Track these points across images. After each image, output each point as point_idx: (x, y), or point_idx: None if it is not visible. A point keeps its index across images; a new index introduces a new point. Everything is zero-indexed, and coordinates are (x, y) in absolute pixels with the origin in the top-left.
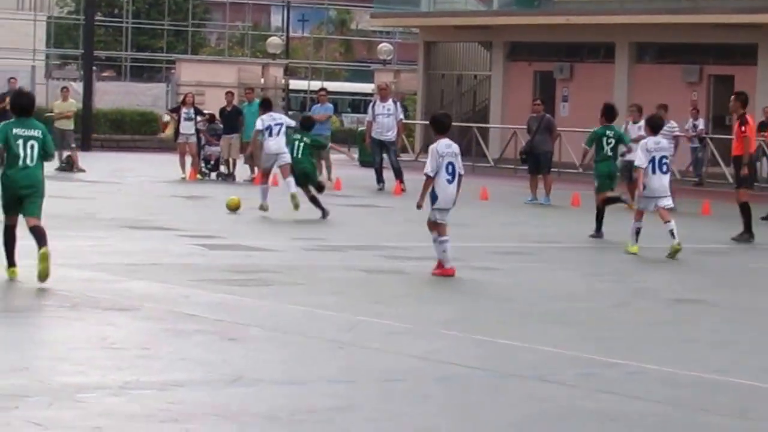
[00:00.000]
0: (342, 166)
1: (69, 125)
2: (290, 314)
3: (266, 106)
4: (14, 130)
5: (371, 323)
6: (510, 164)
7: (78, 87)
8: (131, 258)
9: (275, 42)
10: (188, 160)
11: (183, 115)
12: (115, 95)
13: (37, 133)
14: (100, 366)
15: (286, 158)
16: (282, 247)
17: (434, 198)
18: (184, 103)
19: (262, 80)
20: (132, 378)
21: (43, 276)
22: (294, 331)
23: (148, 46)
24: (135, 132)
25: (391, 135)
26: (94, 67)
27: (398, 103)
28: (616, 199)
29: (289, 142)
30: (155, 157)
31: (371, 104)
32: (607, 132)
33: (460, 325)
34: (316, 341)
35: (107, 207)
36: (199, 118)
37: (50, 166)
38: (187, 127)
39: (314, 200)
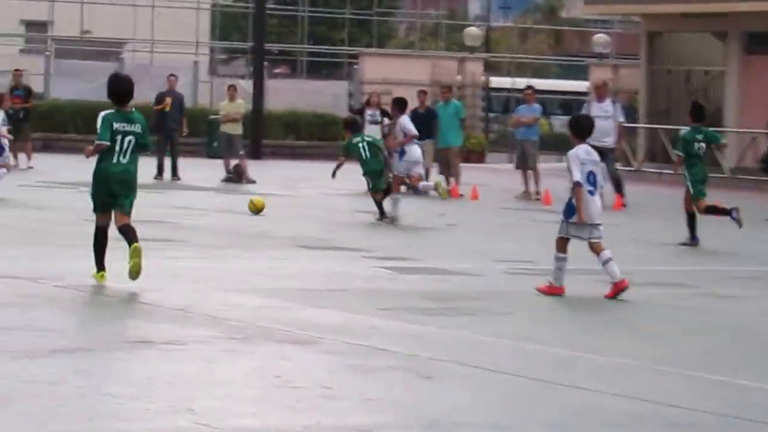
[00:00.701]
0: (550, 176)
1: (237, 129)
2: (493, 348)
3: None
4: (114, 124)
5: (585, 359)
6: (749, 174)
7: (247, 85)
8: (309, 282)
9: (474, 33)
10: None
11: (367, 118)
12: (289, 95)
13: (136, 127)
14: (274, 407)
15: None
16: (482, 271)
17: (571, 212)
18: (368, 103)
19: (459, 77)
20: (311, 422)
21: (134, 273)
22: (498, 368)
23: (327, 39)
24: (312, 137)
25: (609, 141)
26: (265, 63)
27: (618, 104)
28: (722, 211)
29: (351, 147)
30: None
31: (585, 105)
32: (697, 134)
33: (688, 361)
34: (524, 380)
35: (281, 223)
36: (386, 121)
37: (215, 178)
38: (372, 132)
39: (380, 203)
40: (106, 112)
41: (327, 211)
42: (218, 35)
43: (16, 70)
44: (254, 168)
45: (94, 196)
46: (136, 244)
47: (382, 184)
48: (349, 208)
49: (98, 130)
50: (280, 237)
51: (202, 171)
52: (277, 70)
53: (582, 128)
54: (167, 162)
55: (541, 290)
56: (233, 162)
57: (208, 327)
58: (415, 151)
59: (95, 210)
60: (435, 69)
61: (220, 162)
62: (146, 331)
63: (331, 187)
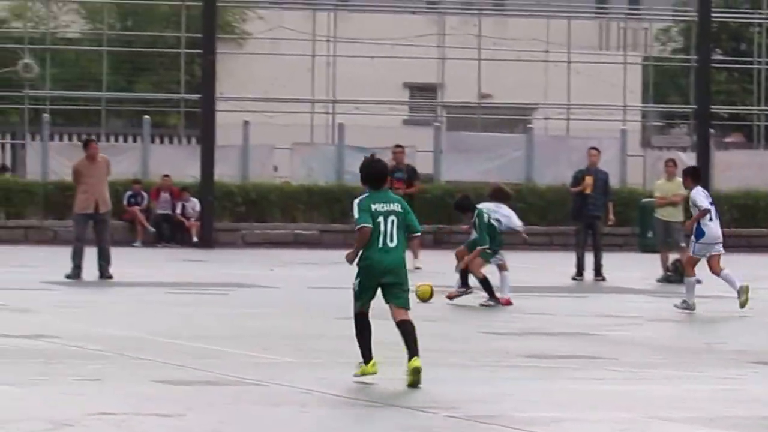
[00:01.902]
0: None
1: (676, 215)
2: None
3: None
4: (373, 207)
5: None
6: None
7: (688, 159)
8: None
9: None
10: None
11: None
12: (743, 170)
13: (396, 206)
14: None
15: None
16: None
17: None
18: None
19: None
20: None
21: (414, 385)
22: None
23: None
24: None
25: None
26: (712, 130)
27: None
28: None
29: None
30: None
31: None
32: None
33: None
34: None
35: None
36: None
37: (650, 277)
38: None
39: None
40: (360, 197)
41: None
42: (652, 96)
43: (397, 146)
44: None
45: (360, 284)
46: (415, 362)
47: None
48: None
49: (355, 217)
50: (728, 351)
51: (632, 269)
52: (729, 139)
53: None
54: (588, 258)
55: None
56: (672, 256)
57: None
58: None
59: (357, 297)
60: None
61: (655, 257)
62: None
63: None
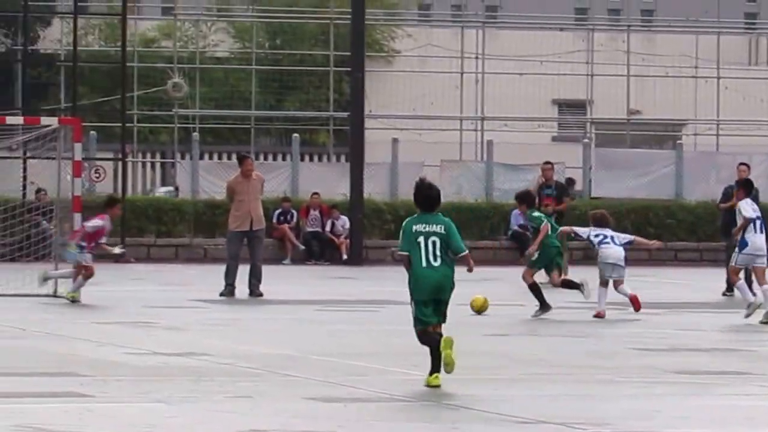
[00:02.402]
0: None
1: None
2: None
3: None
4: (414, 227)
5: None
6: None
7: None
8: None
9: None
10: None
11: None
12: None
13: (439, 228)
14: None
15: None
16: None
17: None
18: None
19: None
20: None
21: (448, 366)
22: None
23: None
24: None
25: None
26: None
27: None
28: None
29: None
30: None
31: None
32: None
33: None
34: None
35: None
36: None
37: None
38: None
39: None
40: (407, 220)
41: None
42: None
43: (546, 163)
44: None
45: (416, 307)
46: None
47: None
48: None
49: (399, 242)
50: None
51: None
52: None
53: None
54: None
55: None
56: None
57: None
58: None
59: (417, 323)
60: None
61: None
62: None
63: None
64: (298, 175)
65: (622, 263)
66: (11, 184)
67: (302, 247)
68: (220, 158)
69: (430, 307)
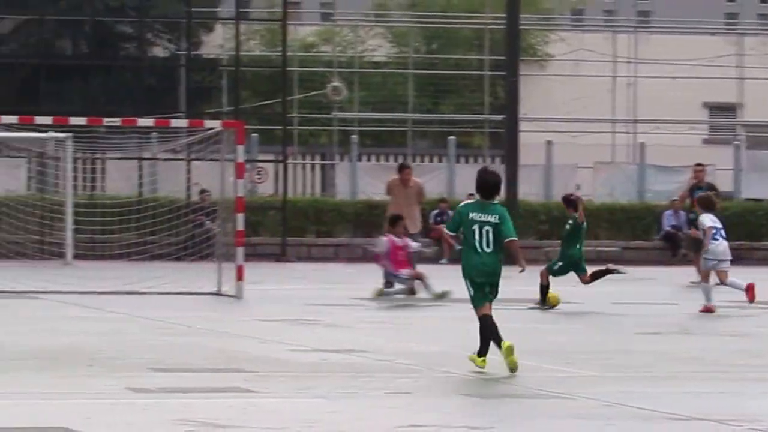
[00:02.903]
0: None
1: None
2: None
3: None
4: (470, 215)
5: None
6: None
7: None
8: None
9: None
10: None
11: None
12: None
13: (493, 218)
14: None
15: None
16: None
17: None
18: None
19: None
20: None
21: (513, 368)
22: None
23: None
24: None
25: None
26: None
27: None
28: None
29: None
30: None
31: None
32: None
33: None
34: None
35: None
36: None
37: None
38: None
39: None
40: (465, 202)
41: None
42: None
43: (698, 165)
44: None
45: (470, 289)
46: (506, 343)
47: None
48: None
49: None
50: None
51: None
52: None
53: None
54: None
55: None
56: None
57: None
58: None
59: (473, 303)
60: None
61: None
62: None
63: None
64: (454, 176)
65: (729, 256)
66: (176, 186)
67: (459, 247)
68: (378, 160)
69: (484, 289)
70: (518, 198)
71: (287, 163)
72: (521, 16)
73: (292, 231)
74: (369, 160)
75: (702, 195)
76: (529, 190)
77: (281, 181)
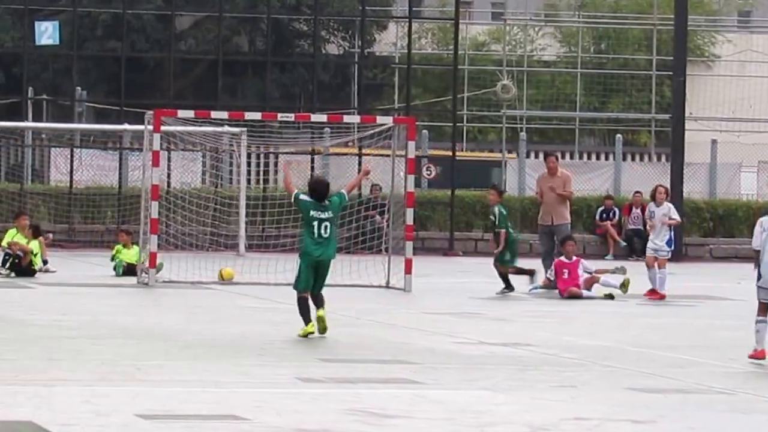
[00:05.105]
0: None
1: None
2: None
3: None
4: (312, 212)
5: None
6: None
7: None
8: None
9: None
10: None
11: None
12: None
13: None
14: None
15: None
16: None
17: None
18: None
19: None
20: None
21: (323, 330)
22: None
23: None
24: None
25: None
26: None
27: None
28: None
29: None
30: None
31: None
32: None
33: None
34: None
35: None
36: None
37: None
38: None
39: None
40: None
41: None
42: None
43: None
44: None
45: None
46: (320, 311)
47: None
48: None
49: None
50: None
51: None
52: None
53: None
54: None
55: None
56: None
57: None
58: None
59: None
60: None
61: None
62: None
63: None
64: (620, 174)
65: None
66: (346, 181)
67: (624, 244)
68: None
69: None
70: (683, 196)
71: (456, 158)
72: (689, 17)
73: (460, 225)
74: (536, 157)
75: None
76: (693, 188)
77: (450, 176)
